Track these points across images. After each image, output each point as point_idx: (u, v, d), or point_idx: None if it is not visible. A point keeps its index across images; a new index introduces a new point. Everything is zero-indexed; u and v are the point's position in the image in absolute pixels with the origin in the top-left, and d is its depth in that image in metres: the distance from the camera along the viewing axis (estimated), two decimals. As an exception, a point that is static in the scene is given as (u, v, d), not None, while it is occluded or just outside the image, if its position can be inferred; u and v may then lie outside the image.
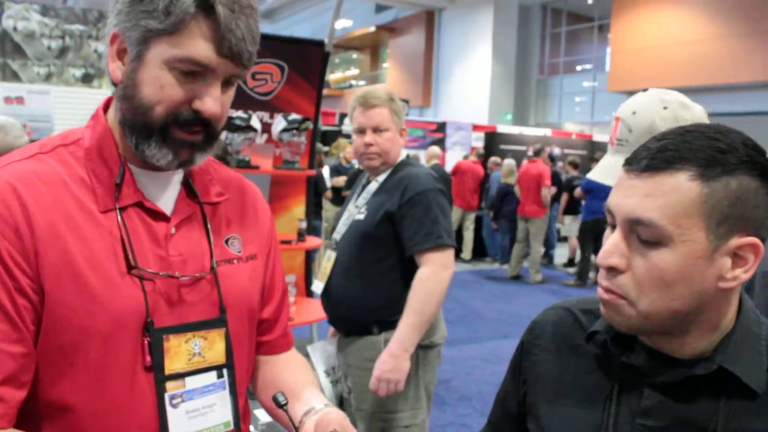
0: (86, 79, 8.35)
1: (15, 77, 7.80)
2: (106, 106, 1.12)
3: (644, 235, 0.92)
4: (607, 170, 1.63)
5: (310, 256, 5.01)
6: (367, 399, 2.50)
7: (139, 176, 1.08)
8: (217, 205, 1.19)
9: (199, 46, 0.99)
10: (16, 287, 0.95)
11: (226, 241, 1.18)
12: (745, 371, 0.94)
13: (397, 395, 2.43)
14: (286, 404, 1.04)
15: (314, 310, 4.23)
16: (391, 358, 2.37)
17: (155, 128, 1.02)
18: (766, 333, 0.99)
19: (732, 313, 0.98)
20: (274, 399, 1.04)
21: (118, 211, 1.04)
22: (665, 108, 1.55)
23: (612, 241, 0.96)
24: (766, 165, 0.90)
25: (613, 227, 0.97)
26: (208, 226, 1.15)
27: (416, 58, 23.03)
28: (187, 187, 1.15)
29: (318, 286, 2.71)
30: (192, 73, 1.00)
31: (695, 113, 1.56)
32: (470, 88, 20.41)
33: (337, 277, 2.58)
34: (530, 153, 11.10)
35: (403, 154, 2.66)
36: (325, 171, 9.17)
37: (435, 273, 2.40)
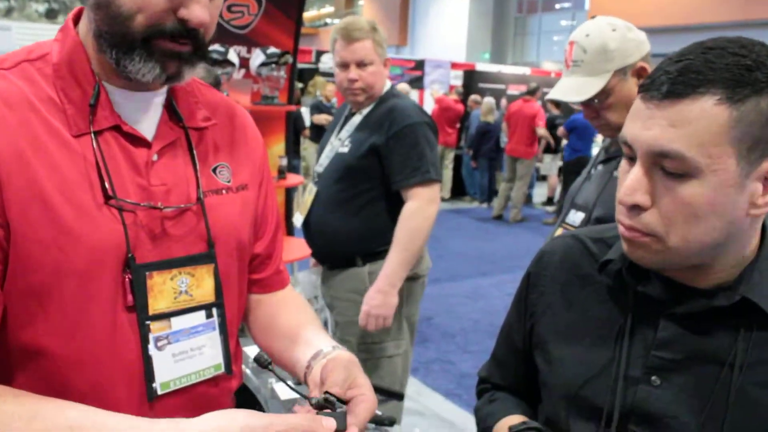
0: (50, 15, 7.99)
1: (-25, 12, 7.46)
2: (76, 18, 0.99)
3: (670, 168, 0.84)
4: (566, 88, 1.76)
5: (290, 195, 4.92)
6: (351, 331, 2.51)
7: (115, 97, 0.97)
8: (203, 130, 1.08)
9: None
10: None
11: (214, 170, 1.08)
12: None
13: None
14: (270, 364, 0.93)
15: (295, 249, 4.16)
16: (379, 294, 2.37)
17: (137, 40, 0.90)
18: None
19: (756, 241, 0.93)
20: (257, 360, 0.93)
21: (92, 135, 0.93)
22: (614, 30, 1.70)
23: (634, 176, 0.88)
24: None
25: (631, 160, 0.90)
26: (194, 153, 1.04)
27: (392, -6, 22.50)
28: (171, 110, 1.04)
29: (298, 219, 2.68)
30: None
31: (639, 35, 1.73)
32: (447, 26, 20.09)
33: (319, 210, 2.55)
34: (523, 91, 10.99)
35: (388, 84, 2.58)
36: (303, 110, 9.01)
37: (421, 208, 2.39)
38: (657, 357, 0.94)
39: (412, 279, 2.51)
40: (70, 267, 0.89)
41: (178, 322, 0.99)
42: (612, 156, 1.88)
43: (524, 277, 1.17)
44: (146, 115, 1.01)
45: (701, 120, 0.81)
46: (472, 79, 13.27)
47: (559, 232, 1.87)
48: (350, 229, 2.48)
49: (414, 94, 12.63)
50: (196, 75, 1.03)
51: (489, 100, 10.41)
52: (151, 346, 0.96)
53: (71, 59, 0.95)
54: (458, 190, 11.57)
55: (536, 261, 1.15)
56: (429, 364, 4.49)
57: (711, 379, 0.91)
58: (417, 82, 13.24)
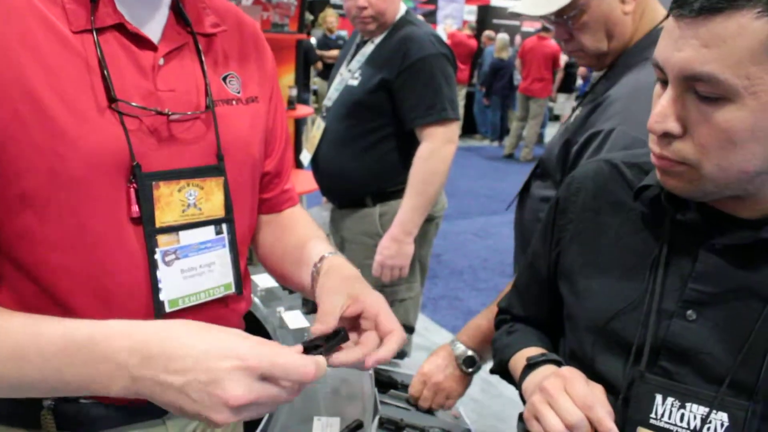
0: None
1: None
2: None
3: (704, 92, 0.76)
4: (532, 2, 1.47)
5: (299, 127, 4.83)
6: (362, 274, 2.42)
7: None
8: (212, 37, 1.00)
9: None
10: None
11: (224, 79, 1.00)
12: None
13: None
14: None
15: (304, 181, 4.09)
16: (394, 242, 2.25)
17: None
18: None
19: None
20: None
21: (94, 32, 0.85)
22: None
23: (665, 101, 0.80)
24: None
25: (664, 83, 0.82)
26: (203, 59, 0.97)
27: (407, -76, 21.83)
28: (178, 13, 0.96)
29: (306, 157, 2.55)
30: None
31: None
32: (463, -42, 19.47)
33: (327, 147, 2.41)
34: (538, 28, 10.69)
35: (403, 8, 2.38)
36: (313, 42, 8.81)
37: (437, 149, 2.23)
38: (694, 290, 0.88)
39: (427, 220, 2.38)
40: (67, 173, 0.82)
41: (186, 237, 0.93)
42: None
43: (552, 203, 1.10)
44: (152, 17, 0.92)
45: (738, 37, 0.72)
46: (486, 15, 12.95)
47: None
48: (360, 169, 2.33)
49: (427, 29, 12.39)
50: None
51: (503, 37, 10.17)
52: (158, 261, 0.90)
53: None
54: (469, 128, 11.41)
55: (566, 186, 1.08)
56: (437, 300, 4.48)
57: (752, 315, 0.85)
58: (430, 17, 12.93)
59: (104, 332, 0.75)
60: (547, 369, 0.99)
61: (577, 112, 1.56)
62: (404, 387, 1.45)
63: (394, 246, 2.25)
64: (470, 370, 1.42)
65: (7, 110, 0.78)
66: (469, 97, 11.28)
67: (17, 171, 0.80)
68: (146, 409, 0.96)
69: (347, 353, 0.86)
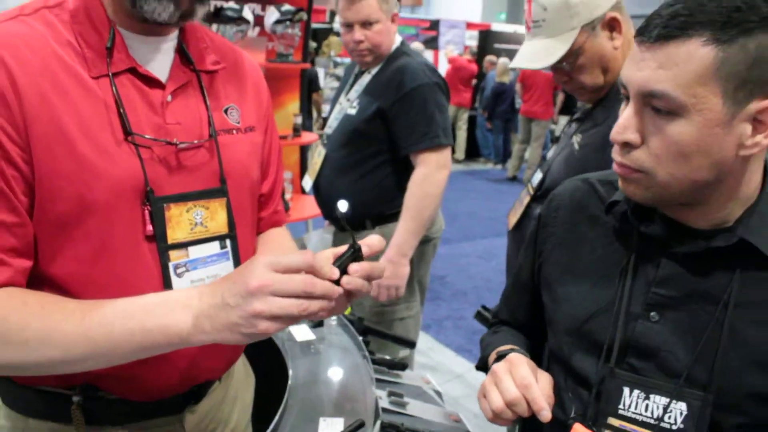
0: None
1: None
2: None
3: (659, 106, 0.88)
4: (530, 54, 1.57)
5: (304, 153, 4.96)
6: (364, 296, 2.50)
7: (130, 41, 1.01)
8: (213, 73, 1.13)
9: None
10: (3, 156, 0.90)
11: (225, 111, 1.13)
12: (766, 243, 0.92)
13: None
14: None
15: (310, 207, 4.22)
16: (390, 264, 2.31)
17: None
18: None
19: (756, 183, 0.95)
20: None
21: (110, 76, 0.98)
22: None
23: (626, 115, 0.92)
24: None
25: (628, 99, 0.93)
26: (206, 94, 1.09)
27: (408, -48, 22.14)
28: (182, 54, 1.09)
29: (307, 183, 2.65)
30: None
31: None
32: (463, -16, 19.75)
33: (328, 174, 2.51)
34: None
35: (398, 39, 2.49)
36: (319, 71, 8.97)
37: (431, 174, 2.32)
38: (656, 294, 0.98)
39: (423, 242, 2.46)
40: (93, 199, 0.94)
41: (194, 251, 1.05)
42: (575, 119, 1.76)
43: (536, 218, 1.21)
44: (159, 59, 1.05)
45: (688, 61, 0.84)
46: (487, 40, 13.11)
47: (524, 192, 1.85)
48: (358, 193, 2.42)
49: (428, 54, 12.53)
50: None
51: (504, 61, 10.31)
52: (171, 273, 1.02)
53: (87, 5, 0.99)
54: (473, 151, 11.53)
55: (547, 203, 1.19)
56: (441, 321, 4.56)
57: (706, 316, 0.94)
58: (432, 43, 13.13)
59: (169, 295, 0.91)
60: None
61: (578, 139, 1.66)
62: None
63: (390, 267, 2.30)
64: None
65: (44, 148, 0.91)
66: (472, 121, 11.39)
67: (52, 198, 0.93)
68: (167, 405, 1.08)
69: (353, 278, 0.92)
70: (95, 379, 1.01)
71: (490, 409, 0.99)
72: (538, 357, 1.22)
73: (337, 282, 0.88)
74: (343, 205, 0.94)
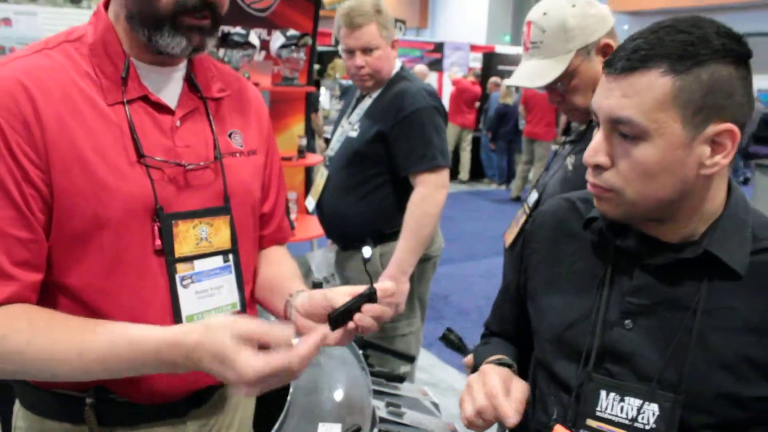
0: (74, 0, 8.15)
1: (0, -3, 7.60)
2: (105, 4, 1.14)
3: (625, 131, 0.96)
4: (526, 74, 1.65)
5: (309, 174, 5.05)
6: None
7: (142, 71, 1.11)
8: (219, 100, 1.22)
9: None
10: (24, 177, 0.99)
11: (229, 135, 1.22)
12: (729, 255, 1.00)
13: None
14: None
15: (314, 227, 4.28)
16: (390, 280, 2.38)
17: (166, 17, 1.04)
18: (752, 220, 1.04)
19: (719, 199, 1.03)
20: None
21: (125, 103, 1.07)
22: (573, 6, 1.59)
23: (596, 140, 1.00)
24: (740, 51, 0.94)
25: (599, 125, 1.02)
26: (212, 119, 1.18)
27: (413, -24, 22.42)
28: (190, 82, 1.18)
29: (310, 203, 2.73)
30: None
31: (601, 10, 1.60)
32: (468, 7, 19.97)
33: (330, 194, 2.59)
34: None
35: (398, 64, 2.58)
36: (323, 92, 9.09)
37: (429, 194, 2.40)
38: (630, 303, 1.05)
39: (423, 260, 2.52)
40: (107, 216, 1.03)
41: (199, 265, 1.14)
42: (569, 141, 1.82)
43: (522, 235, 1.29)
44: (169, 87, 1.15)
45: (648, 90, 0.93)
46: (491, 62, 13.25)
47: (520, 211, 1.92)
48: (360, 213, 2.51)
49: (433, 76, 12.65)
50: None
51: (508, 83, 10.41)
52: (178, 284, 1.11)
53: (104, 39, 1.09)
54: (477, 172, 11.62)
55: (532, 221, 1.27)
56: (444, 338, 4.61)
57: (676, 323, 1.01)
58: (436, 65, 13.26)
59: (165, 346, 0.97)
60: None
61: (571, 160, 1.74)
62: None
63: None
64: None
65: (63, 169, 1.01)
66: (476, 142, 11.49)
67: (70, 215, 1.02)
68: (171, 409, 1.16)
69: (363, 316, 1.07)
70: (106, 381, 1.09)
71: (464, 416, 1.07)
72: (526, 366, 1.29)
73: (350, 318, 1.04)
74: (367, 251, 1.10)
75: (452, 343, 1.66)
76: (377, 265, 2.50)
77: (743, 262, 1.00)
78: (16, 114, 0.98)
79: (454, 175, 11.49)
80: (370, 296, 1.03)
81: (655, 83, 0.93)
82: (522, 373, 1.20)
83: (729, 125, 0.94)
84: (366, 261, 1.06)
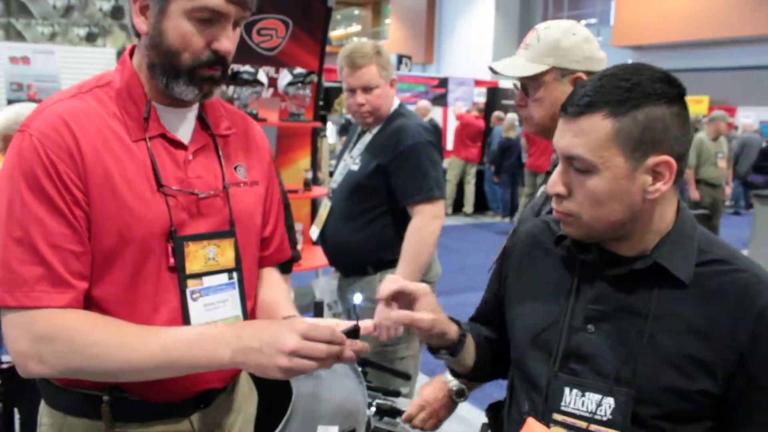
0: (90, 38, 8.41)
1: (19, 37, 7.88)
2: (130, 53, 1.31)
3: (578, 166, 1.13)
4: (506, 63, 1.79)
5: (315, 205, 5.20)
6: (366, 335, 2.67)
7: (161, 112, 1.28)
8: (227, 137, 1.39)
9: None
10: (73, 200, 1.16)
11: (235, 168, 1.38)
12: (675, 266, 1.15)
13: None
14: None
15: (319, 257, 4.43)
16: None
17: (184, 70, 1.22)
18: (698, 236, 1.19)
19: (669, 218, 1.19)
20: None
21: (147, 140, 1.24)
22: (574, 34, 1.71)
23: (556, 172, 1.18)
24: (671, 93, 1.10)
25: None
26: (220, 153, 1.35)
27: (418, 13, 22.93)
28: (202, 121, 1.35)
29: (314, 232, 2.87)
30: (208, 20, 1.20)
31: (594, 51, 1.72)
32: (473, 43, 20.34)
33: (332, 224, 2.74)
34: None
35: (396, 102, 2.75)
36: (330, 127, 9.28)
37: (426, 224, 2.55)
38: (592, 309, 1.19)
39: None
40: (132, 236, 1.20)
41: (207, 281, 1.30)
42: (549, 171, 1.88)
43: (501, 251, 1.44)
44: (183, 126, 1.32)
45: (594, 131, 1.11)
46: (495, 96, 13.43)
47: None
48: (361, 242, 2.65)
49: (438, 111, 12.86)
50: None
51: (511, 116, 10.61)
52: (188, 298, 1.27)
53: (129, 85, 1.27)
54: (481, 205, 11.78)
55: (510, 237, 1.44)
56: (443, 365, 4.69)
57: (631, 327, 1.15)
58: (441, 100, 13.48)
59: (211, 329, 1.17)
60: None
61: (544, 188, 1.87)
62: (400, 413, 1.74)
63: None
64: (460, 399, 1.72)
65: (98, 194, 1.18)
66: (480, 176, 11.66)
67: (100, 234, 1.19)
68: (177, 407, 1.31)
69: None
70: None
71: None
72: (506, 368, 1.42)
73: (356, 335, 1.19)
74: (357, 298, 1.30)
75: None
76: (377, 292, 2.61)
77: (688, 272, 1.15)
78: (63, 147, 1.15)
79: (458, 208, 11.67)
80: (355, 332, 1.18)
81: (599, 125, 1.10)
82: (503, 373, 1.40)
83: (665, 157, 1.10)
84: (355, 308, 1.27)
